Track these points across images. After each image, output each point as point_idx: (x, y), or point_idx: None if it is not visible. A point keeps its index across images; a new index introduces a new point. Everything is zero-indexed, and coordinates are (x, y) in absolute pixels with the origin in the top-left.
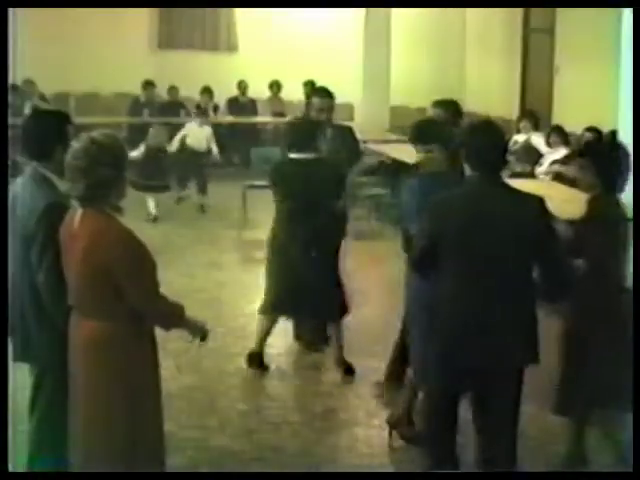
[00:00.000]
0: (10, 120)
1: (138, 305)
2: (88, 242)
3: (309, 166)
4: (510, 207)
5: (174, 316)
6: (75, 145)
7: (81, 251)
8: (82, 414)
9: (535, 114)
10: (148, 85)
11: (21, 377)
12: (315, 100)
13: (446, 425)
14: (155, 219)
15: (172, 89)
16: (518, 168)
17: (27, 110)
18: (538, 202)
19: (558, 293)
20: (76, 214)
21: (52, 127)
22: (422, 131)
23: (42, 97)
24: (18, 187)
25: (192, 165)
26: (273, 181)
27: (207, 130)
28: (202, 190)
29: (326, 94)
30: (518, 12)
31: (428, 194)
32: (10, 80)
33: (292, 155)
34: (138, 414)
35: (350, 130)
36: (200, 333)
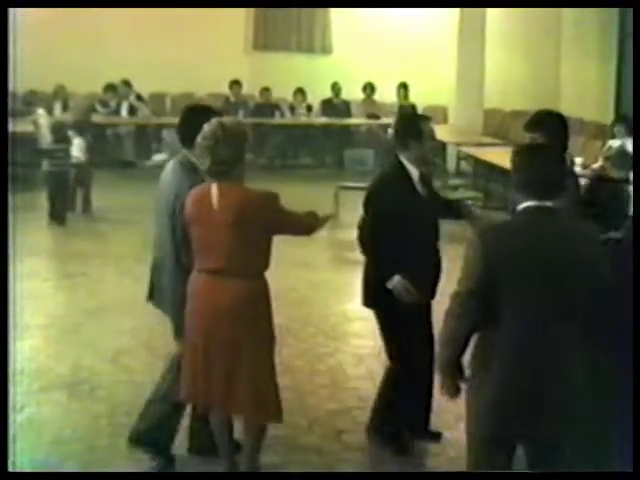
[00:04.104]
0: (108, 119)
1: (292, 234)
2: (237, 210)
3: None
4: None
5: (316, 221)
6: (206, 128)
7: (231, 219)
8: (235, 363)
9: (630, 119)
10: (234, 85)
11: None
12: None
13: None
14: None
15: (264, 90)
16: (613, 174)
17: (124, 109)
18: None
19: None
20: (211, 189)
21: (198, 120)
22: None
23: (139, 97)
24: (168, 169)
25: None
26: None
27: None
28: None
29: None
30: (614, 15)
31: None
32: (10, 82)
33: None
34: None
35: None
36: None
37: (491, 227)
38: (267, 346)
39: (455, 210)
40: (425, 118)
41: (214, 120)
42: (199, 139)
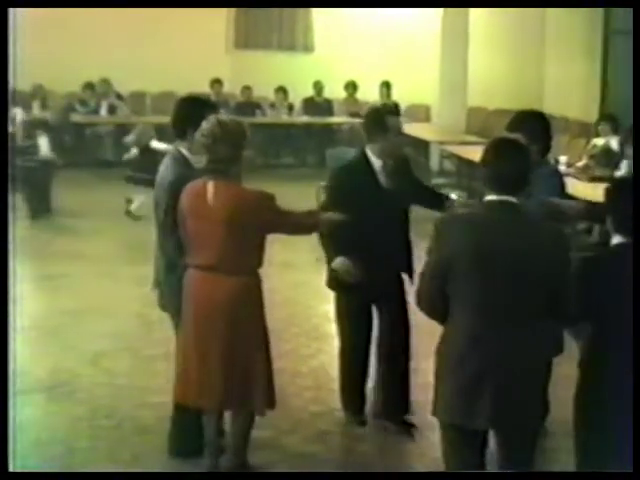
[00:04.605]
0: (87, 118)
1: (290, 233)
2: (232, 208)
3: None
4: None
5: (315, 222)
6: (204, 125)
7: (225, 217)
8: (226, 359)
9: (615, 117)
10: (215, 83)
11: None
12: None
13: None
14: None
15: (245, 89)
16: (597, 172)
17: (104, 108)
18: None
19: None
20: (207, 185)
21: (192, 112)
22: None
23: (118, 96)
24: (165, 161)
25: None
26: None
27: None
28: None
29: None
30: (599, 13)
31: None
32: (11, 81)
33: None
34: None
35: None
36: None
37: (450, 216)
38: (260, 342)
39: (440, 202)
40: (392, 112)
41: (213, 118)
42: (197, 136)
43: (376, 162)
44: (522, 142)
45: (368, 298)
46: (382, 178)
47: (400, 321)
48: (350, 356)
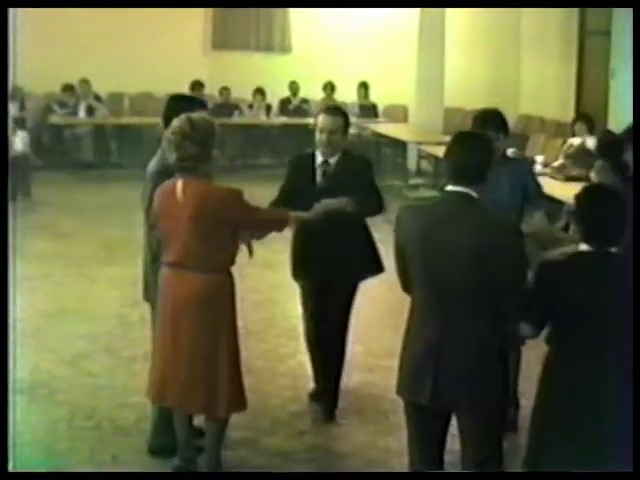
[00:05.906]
0: (66, 119)
1: (258, 230)
2: (198, 206)
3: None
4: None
5: (284, 218)
6: (174, 122)
7: (192, 213)
8: (191, 357)
9: (590, 117)
10: (197, 85)
11: None
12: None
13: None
14: None
15: (224, 90)
16: (573, 172)
17: (82, 110)
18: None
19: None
20: (177, 183)
21: (180, 108)
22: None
23: (97, 97)
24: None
25: None
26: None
27: None
28: None
29: (337, 113)
30: (574, 14)
31: None
32: (11, 80)
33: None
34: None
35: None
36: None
37: (408, 205)
38: (227, 342)
39: (374, 210)
40: (327, 111)
41: (183, 115)
42: (167, 133)
43: (319, 159)
44: (486, 136)
45: (311, 291)
46: (319, 175)
47: (338, 329)
48: (307, 344)
